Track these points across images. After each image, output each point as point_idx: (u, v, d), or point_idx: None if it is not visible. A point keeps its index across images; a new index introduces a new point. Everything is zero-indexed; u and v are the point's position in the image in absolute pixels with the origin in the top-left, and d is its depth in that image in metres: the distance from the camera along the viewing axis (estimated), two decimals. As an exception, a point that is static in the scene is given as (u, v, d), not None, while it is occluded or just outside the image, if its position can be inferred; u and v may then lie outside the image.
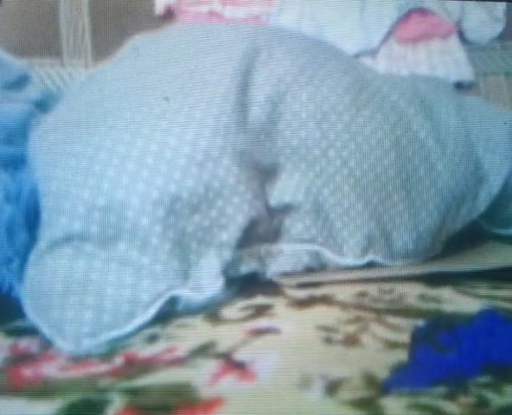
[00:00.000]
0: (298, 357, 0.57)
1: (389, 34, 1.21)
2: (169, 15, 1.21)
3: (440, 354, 0.57)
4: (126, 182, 0.71)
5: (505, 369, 0.54)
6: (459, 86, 1.18)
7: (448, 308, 0.67)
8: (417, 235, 0.83)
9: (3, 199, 0.72)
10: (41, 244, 0.70)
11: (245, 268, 0.75)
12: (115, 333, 0.65)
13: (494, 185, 0.89)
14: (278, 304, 0.70)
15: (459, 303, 0.69)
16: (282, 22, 1.21)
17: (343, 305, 0.69)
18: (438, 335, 0.60)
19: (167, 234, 0.70)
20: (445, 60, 1.20)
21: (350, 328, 0.63)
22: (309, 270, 0.80)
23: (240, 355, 0.58)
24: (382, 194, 0.82)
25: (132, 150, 0.73)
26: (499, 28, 1.24)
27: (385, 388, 0.51)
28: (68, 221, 0.70)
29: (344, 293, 0.72)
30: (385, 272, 0.78)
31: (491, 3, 1.24)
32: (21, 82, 0.92)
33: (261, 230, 0.77)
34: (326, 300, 0.71)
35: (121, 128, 0.75)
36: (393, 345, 0.59)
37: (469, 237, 0.89)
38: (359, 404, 0.50)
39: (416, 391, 0.51)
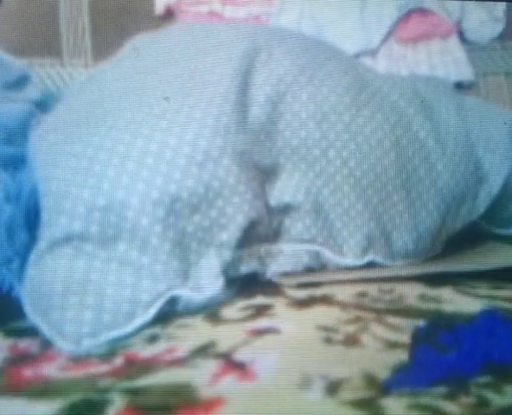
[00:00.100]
0: (298, 357, 0.57)
1: (389, 34, 1.21)
2: (169, 15, 1.21)
3: (440, 354, 0.57)
4: (126, 182, 0.71)
5: (505, 369, 0.54)
6: (459, 86, 1.18)
7: (448, 308, 0.67)
8: (417, 235, 0.83)
9: (3, 199, 0.72)
10: (41, 244, 0.70)
11: (245, 268, 0.75)
12: (115, 333, 0.65)
13: (494, 185, 0.89)
14: (278, 304, 0.70)
15: (459, 303, 0.69)
16: (282, 22, 1.21)
17: (343, 305, 0.69)
18: (438, 335, 0.60)
19: (167, 234, 0.70)
20: (445, 60, 1.20)
21: (350, 329, 0.63)
22: (309, 270, 0.80)
23: (240, 355, 0.58)
24: (382, 194, 0.82)
25: (132, 149, 0.73)
26: (499, 28, 1.24)
27: (385, 388, 0.51)
28: (68, 221, 0.70)
29: (344, 293, 0.72)
30: (385, 272, 0.78)
31: (491, 3, 1.24)
32: (21, 82, 0.92)
33: (261, 230, 0.77)
34: (326, 300, 0.71)
35: (121, 128, 0.75)
36: (393, 345, 0.59)
37: (469, 237, 0.89)
38: (359, 404, 0.50)
39: (416, 391, 0.51)
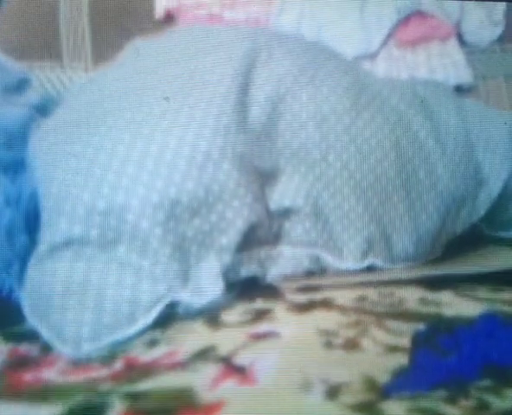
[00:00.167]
0: (298, 361, 0.57)
1: (389, 36, 1.21)
2: (169, 18, 1.21)
3: (440, 357, 0.57)
4: (126, 185, 0.71)
5: (505, 372, 0.54)
6: (459, 89, 1.17)
7: (448, 311, 0.67)
8: (417, 238, 0.83)
9: (3, 202, 0.72)
10: (42, 247, 0.70)
11: (245, 271, 0.75)
12: (116, 335, 0.65)
13: (494, 187, 0.89)
14: (278, 308, 0.70)
15: (459, 306, 0.69)
16: (282, 23, 1.21)
17: (343, 309, 0.69)
18: (438, 338, 0.60)
19: (167, 238, 0.70)
20: (444, 63, 1.19)
21: (350, 332, 0.63)
22: (309, 273, 0.79)
23: (240, 359, 0.58)
24: (382, 195, 0.82)
25: (132, 151, 0.73)
26: (498, 30, 1.24)
27: (385, 392, 0.52)
28: (68, 225, 0.69)
29: (344, 297, 0.72)
30: (385, 276, 0.78)
31: (491, 5, 1.24)
32: (21, 86, 0.92)
33: (261, 233, 0.77)
34: (326, 304, 0.71)
35: (121, 128, 0.75)
36: (393, 349, 0.59)
37: (469, 240, 0.89)
38: (359, 408, 0.50)
39: (416, 394, 0.51)
